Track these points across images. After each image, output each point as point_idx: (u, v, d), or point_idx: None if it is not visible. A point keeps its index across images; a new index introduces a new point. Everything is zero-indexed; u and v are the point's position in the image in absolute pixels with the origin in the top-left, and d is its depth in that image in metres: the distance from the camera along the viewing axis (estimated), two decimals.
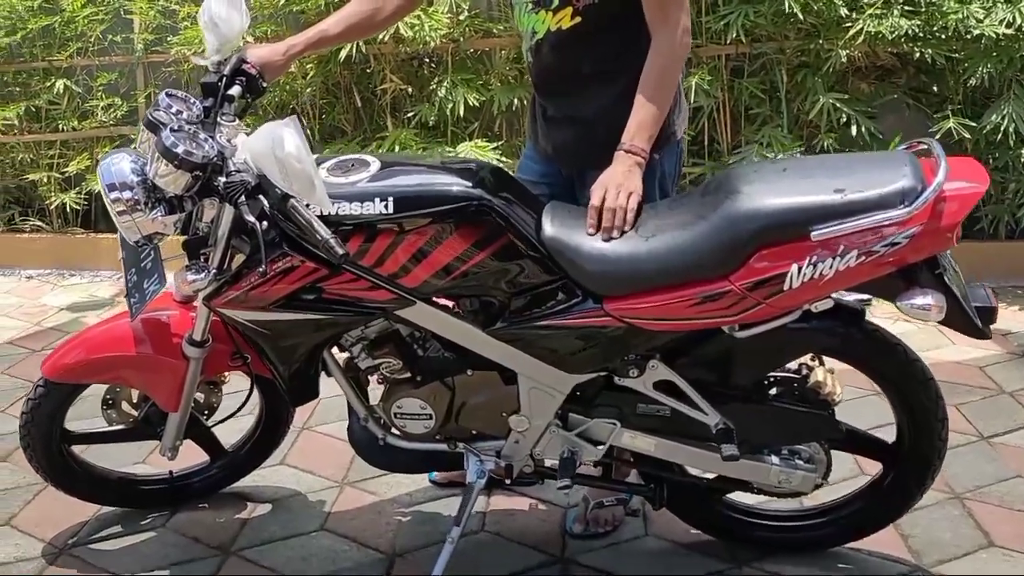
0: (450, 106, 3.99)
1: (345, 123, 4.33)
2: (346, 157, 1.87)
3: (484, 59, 4.18)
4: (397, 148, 3.98)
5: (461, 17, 4.05)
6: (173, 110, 1.80)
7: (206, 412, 2.28)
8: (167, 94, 1.84)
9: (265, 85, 1.98)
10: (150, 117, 1.76)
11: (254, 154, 1.65)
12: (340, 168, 1.83)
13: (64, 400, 2.10)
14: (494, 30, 4.11)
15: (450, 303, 1.88)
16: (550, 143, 2.10)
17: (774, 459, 1.90)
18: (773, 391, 1.91)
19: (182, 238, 1.83)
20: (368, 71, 4.21)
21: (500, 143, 4.06)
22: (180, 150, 1.67)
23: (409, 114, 4.15)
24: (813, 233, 1.60)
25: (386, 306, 1.83)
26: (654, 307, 1.72)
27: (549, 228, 1.80)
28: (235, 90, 1.91)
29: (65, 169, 4.51)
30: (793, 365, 1.92)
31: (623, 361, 1.84)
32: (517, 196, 1.85)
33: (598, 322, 1.77)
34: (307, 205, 1.63)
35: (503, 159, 3.93)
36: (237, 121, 1.89)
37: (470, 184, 1.77)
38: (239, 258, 1.89)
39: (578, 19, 1.90)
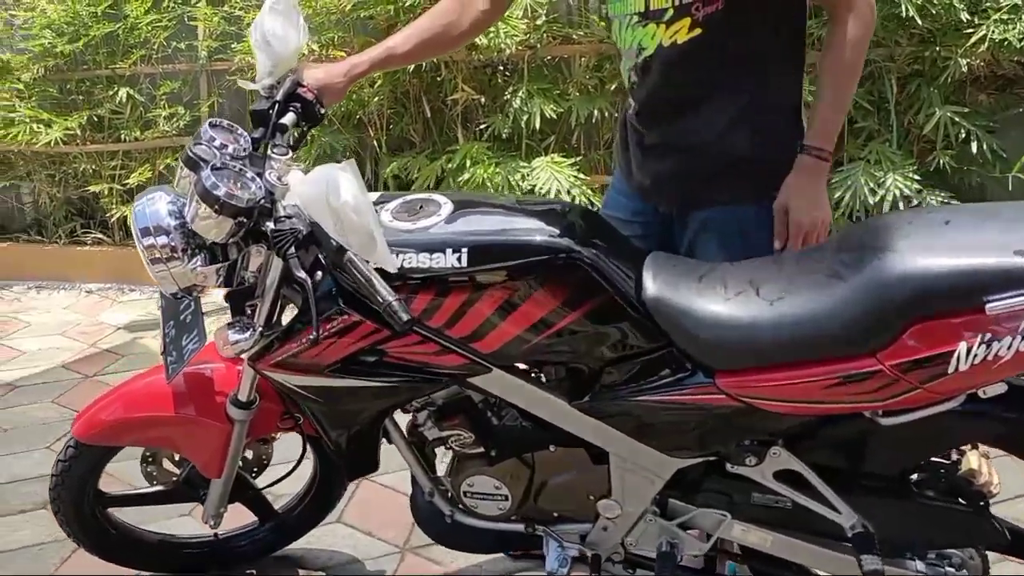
0: (525, 118, 3.73)
1: (413, 134, 4.10)
2: (413, 197, 1.61)
3: (562, 67, 3.89)
4: (468, 162, 3.73)
5: (538, 22, 3.78)
6: (216, 143, 1.57)
7: (255, 469, 2.05)
8: (211, 124, 1.61)
9: (323, 111, 1.73)
10: (189, 153, 1.53)
11: (305, 201, 1.40)
12: (406, 210, 1.57)
13: (97, 462, 1.89)
14: (574, 36, 3.82)
15: (530, 368, 1.61)
16: (648, 175, 1.81)
17: (919, 565, 1.58)
18: (915, 478, 1.59)
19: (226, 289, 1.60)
20: (439, 80, 3.96)
21: (578, 158, 3.77)
22: (221, 192, 1.42)
23: (481, 126, 3.89)
24: (989, 304, 1.28)
25: (457, 372, 1.57)
26: (780, 386, 1.42)
27: (652, 285, 1.51)
28: (288, 118, 1.67)
29: (127, 181, 4.37)
30: None
31: (738, 446, 1.54)
32: (612, 245, 1.57)
33: (709, 400, 1.48)
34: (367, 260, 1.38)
35: (580, 175, 3.65)
36: (290, 154, 1.64)
37: (557, 231, 1.50)
38: (292, 309, 1.66)
39: (698, 31, 1.61)
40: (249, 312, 1.62)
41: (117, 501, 2.01)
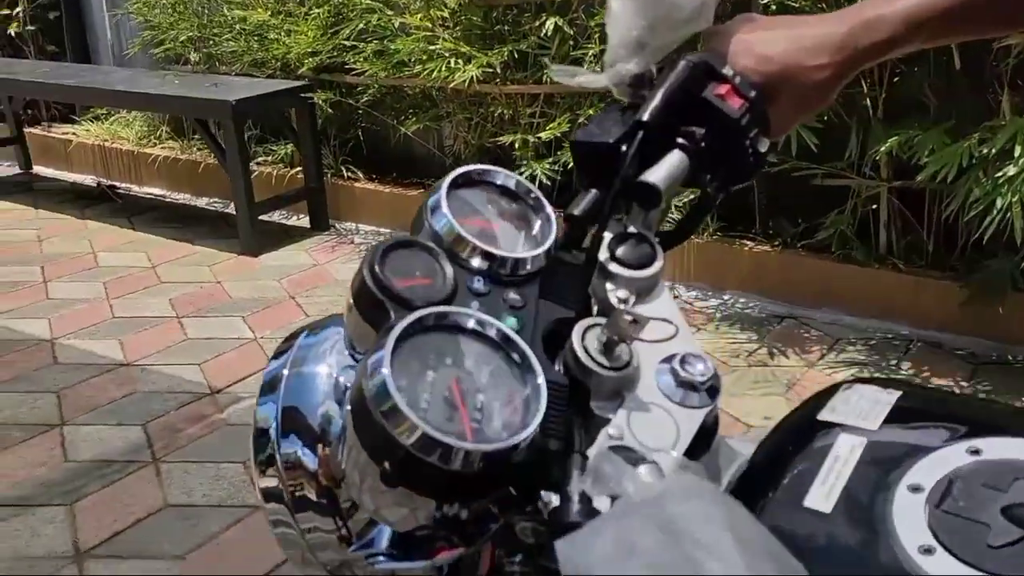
0: None
1: (928, 95, 2.77)
2: (984, 464, 0.50)
3: None
4: (1018, 148, 2.36)
5: None
6: (455, 236, 0.60)
7: None
8: (456, 181, 0.63)
9: (765, 149, 0.66)
10: (368, 279, 0.57)
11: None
12: (958, 507, 0.48)
13: None
14: None
15: None
16: None
17: None
18: None
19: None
20: None
21: None
22: (407, 435, 0.47)
23: None
24: None
25: None
26: None
27: None
28: (670, 166, 0.64)
29: (540, 134, 3.62)
30: None
31: None
32: None
33: None
34: None
35: None
36: (659, 262, 0.62)
37: None
38: None
39: None
40: None
41: None
